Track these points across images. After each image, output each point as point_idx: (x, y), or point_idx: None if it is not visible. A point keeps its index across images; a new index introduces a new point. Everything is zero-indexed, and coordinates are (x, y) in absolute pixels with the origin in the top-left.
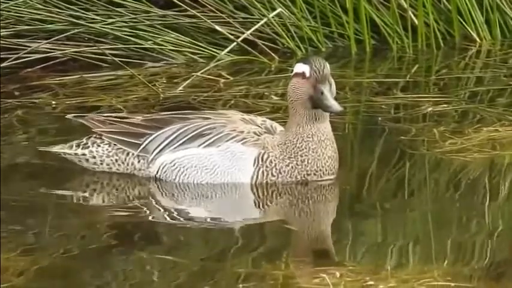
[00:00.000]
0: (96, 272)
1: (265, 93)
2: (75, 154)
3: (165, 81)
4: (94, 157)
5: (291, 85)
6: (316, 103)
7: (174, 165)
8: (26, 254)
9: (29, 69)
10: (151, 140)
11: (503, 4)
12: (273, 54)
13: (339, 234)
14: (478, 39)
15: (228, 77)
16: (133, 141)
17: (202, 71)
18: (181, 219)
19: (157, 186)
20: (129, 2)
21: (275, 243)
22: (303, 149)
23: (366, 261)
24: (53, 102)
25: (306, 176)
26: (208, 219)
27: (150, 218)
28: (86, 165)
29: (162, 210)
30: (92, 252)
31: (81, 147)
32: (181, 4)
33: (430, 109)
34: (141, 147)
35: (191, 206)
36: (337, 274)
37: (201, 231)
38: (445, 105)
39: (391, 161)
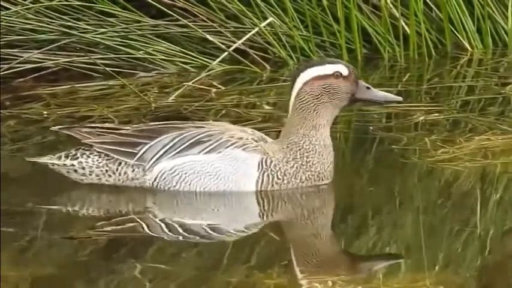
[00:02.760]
0: (88, 283)
1: (257, 102)
2: (64, 165)
3: (156, 91)
4: (83, 168)
5: (323, 87)
6: (361, 99)
7: (174, 172)
8: (18, 268)
9: (21, 79)
10: (148, 148)
11: (494, 13)
12: (264, 63)
13: (330, 242)
14: (469, 48)
15: (220, 86)
16: (128, 150)
17: (193, 80)
18: (180, 228)
19: (153, 195)
20: (120, 11)
21: (268, 251)
22: (309, 151)
23: (358, 270)
24: (45, 113)
25: (310, 177)
26: (208, 228)
27: (145, 227)
28: (74, 177)
29: (157, 219)
30: (84, 264)
31: (69, 158)
32: (172, 14)
33: (421, 118)
34: (138, 155)
35: (191, 214)
36: (329, 283)
37: (199, 241)
38: (436, 114)
39: (383, 170)
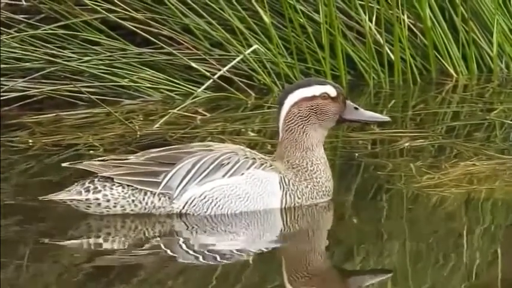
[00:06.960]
0: None
1: (242, 129)
2: (86, 200)
3: (141, 119)
4: (108, 200)
5: (311, 108)
6: (348, 119)
7: (204, 198)
8: None
9: (6, 108)
10: (171, 176)
11: (479, 39)
12: (249, 90)
13: (314, 267)
14: (454, 74)
15: (205, 113)
16: (151, 180)
17: (178, 108)
18: (208, 254)
19: (181, 222)
20: (105, 39)
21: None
22: (315, 172)
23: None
24: (30, 141)
25: (322, 196)
26: (234, 251)
27: (171, 254)
28: (93, 210)
29: (185, 246)
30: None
31: (91, 192)
32: (157, 42)
33: (407, 144)
34: (163, 184)
35: (222, 239)
36: None
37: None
38: (422, 140)
39: (369, 196)
